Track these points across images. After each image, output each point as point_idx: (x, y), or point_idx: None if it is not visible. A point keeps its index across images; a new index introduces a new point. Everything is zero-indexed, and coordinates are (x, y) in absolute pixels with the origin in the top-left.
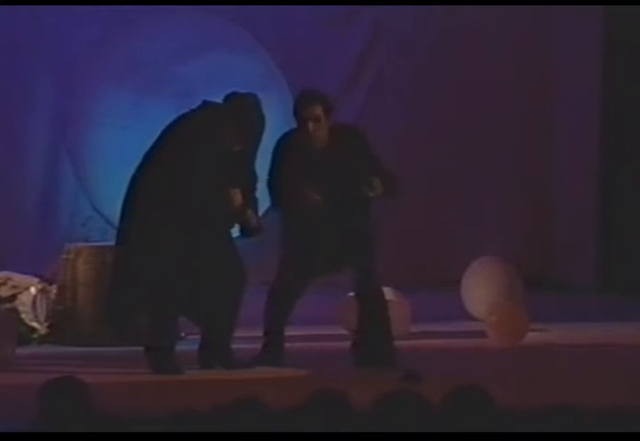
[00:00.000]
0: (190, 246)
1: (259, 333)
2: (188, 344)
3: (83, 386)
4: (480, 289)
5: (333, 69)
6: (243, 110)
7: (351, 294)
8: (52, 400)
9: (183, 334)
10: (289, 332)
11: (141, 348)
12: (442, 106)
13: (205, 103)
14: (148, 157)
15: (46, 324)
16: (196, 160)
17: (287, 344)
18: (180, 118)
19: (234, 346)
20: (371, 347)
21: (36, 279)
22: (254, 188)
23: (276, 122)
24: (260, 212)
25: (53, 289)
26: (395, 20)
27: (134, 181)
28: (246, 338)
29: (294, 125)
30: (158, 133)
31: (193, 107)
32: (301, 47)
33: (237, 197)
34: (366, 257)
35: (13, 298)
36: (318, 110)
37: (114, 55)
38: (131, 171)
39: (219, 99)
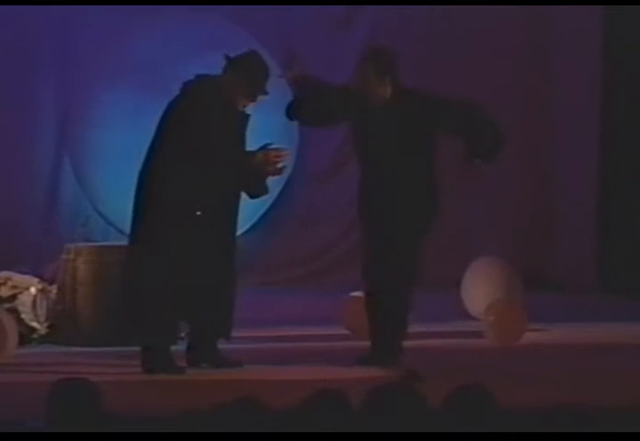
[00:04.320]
0: (198, 245)
1: (259, 333)
2: None
3: (94, 388)
4: (480, 289)
5: (333, 69)
6: (245, 66)
7: (351, 294)
8: (64, 400)
9: (183, 334)
10: (288, 332)
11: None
12: None
13: (198, 78)
14: (151, 150)
15: (46, 324)
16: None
17: (287, 345)
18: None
19: (234, 346)
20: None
21: (36, 279)
22: None
23: (275, 122)
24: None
25: (53, 289)
26: (395, 21)
27: (141, 177)
28: (246, 338)
29: (295, 123)
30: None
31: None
32: (301, 47)
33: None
34: None
35: (13, 298)
36: None
37: (115, 55)
38: (132, 171)
39: None
